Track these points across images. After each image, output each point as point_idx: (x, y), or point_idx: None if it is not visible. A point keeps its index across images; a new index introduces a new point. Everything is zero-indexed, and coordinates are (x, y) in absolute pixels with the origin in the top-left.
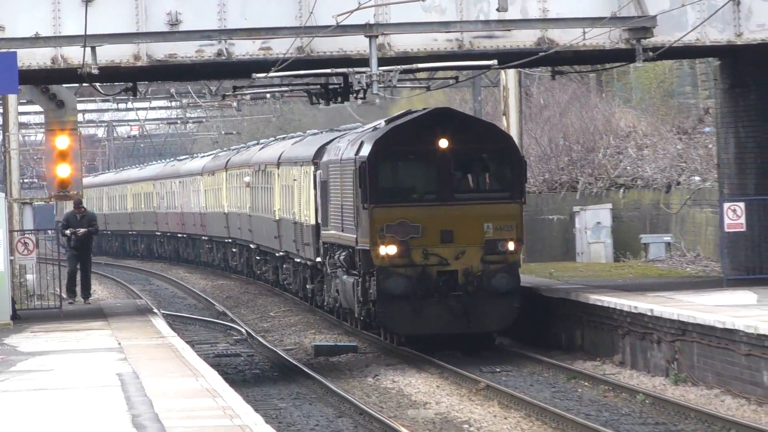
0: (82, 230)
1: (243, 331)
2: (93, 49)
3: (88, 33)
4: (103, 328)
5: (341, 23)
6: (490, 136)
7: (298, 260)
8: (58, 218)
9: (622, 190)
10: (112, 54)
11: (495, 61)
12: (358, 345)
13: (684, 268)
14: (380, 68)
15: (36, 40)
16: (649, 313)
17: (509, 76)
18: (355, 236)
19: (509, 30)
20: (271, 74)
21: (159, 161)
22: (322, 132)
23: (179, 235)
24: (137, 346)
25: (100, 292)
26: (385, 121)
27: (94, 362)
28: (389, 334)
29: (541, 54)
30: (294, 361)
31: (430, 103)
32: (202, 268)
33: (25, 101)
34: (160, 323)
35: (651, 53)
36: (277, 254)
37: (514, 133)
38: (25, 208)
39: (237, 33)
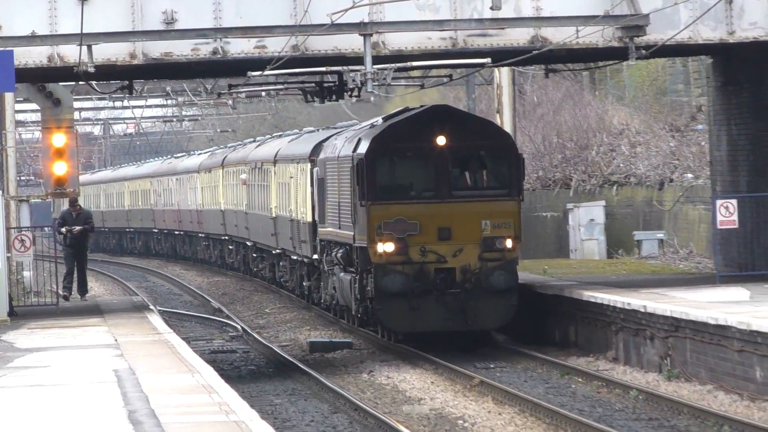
0: (78, 228)
1: (238, 327)
2: (89, 47)
3: (84, 31)
4: (99, 325)
5: (336, 22)
6: (487, 133)
7: (295, 257)
8: (55, 215)
9: (615, 188)
10: (108, 52)
11: (489, 60)
12: (353, 341)
13: (677, 264)
14: (375, 66)
15: (32, 39)
16: (643, 310)
17: (503, 74)
18: (352, 233)
19: (503, 28)
20: (267, 72)
21: (156, 159)
22: (318, 130)
23: (176, 232)
24: (133, 342)
25: (96, 288)
26: (383, 119)
27: (91, 358)
28: (386, 331)
29: (534, 52)
30: (289, 358)
31: (424, 101)
32: (198, 265)
33: (21, 99)
34: (156, 320)
35: (644, 51)
36: (273, 251)
37: (507, 130)
38: (22, 206)
39: (232, 31)
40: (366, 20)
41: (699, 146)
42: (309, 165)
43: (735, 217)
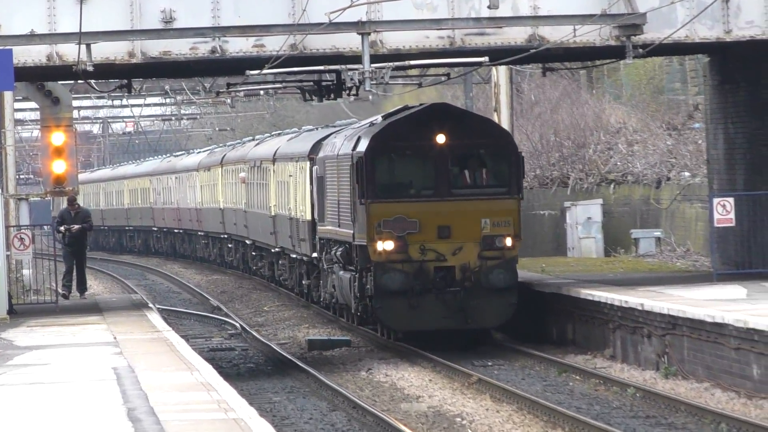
0: (76, 227)
1: (237, 325)
2: (88, 46)
3: (83, 30)
4: (98, 323)
5: (334, 21)
6: (487, 131)
7: (294, 256)
8: (55, 214)
9: (612, 186)
10: (106, 51)
11: (486, 58)
12: (352, 339)
13: (674, 262)
14: (373, 65)
15: (31, 38)
16: (640, 308)
17: (500, 73)
18: (352, 232)
19: (500, 27)
20: (265, 71)
21: (156, 157)
22: (317, 128)
23: (175, 230)
24: (132, 340)
25: (95, 287)
26: (382, 117)
27: (90, 356)
28: (386, 329)
29: (532, 51)
30: (288, 355)
31: (422, 100)
32: (196, 264)
33: (20, 98)
34: (155, 318)
35: (641, 50)
36: (272, 250)
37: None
38: (21, 204)
39: (230, 30)
40: (364, 19)
41: (696, 145)
42: (308, 163)
43: (732, 215)
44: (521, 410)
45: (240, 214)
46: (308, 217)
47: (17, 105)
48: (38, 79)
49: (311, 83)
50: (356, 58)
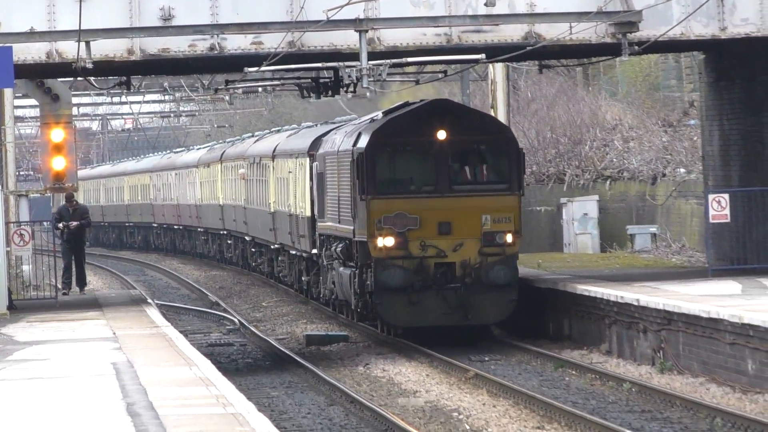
0: (74, 223)
1: (236, 320)
2: (87, 43)
3: (82, 28)
4: (98, 318)
5: (332, 18)
6: (488, 127)
7: (294, 252)
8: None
9: (608, 182)
10: (106, 48)
11: (483, 55)
12: (349, 335)
13: (669, 258)
14: (370, 62)
15: (31, 35)
16: (636, 303)
17: (497, 70)
18: (352, 228)
19: (497, 24)
20: (263, 68)
21: (156, 153)
22: (316, 125)
23: (175, 227)
24: (132, 335)
25: (95, 282)
26: (383, 113)
27: (89, 351)
28: (386, 326)
29: (528, 48)
30: (286, 351)
31: (419, 97)
32: (195, 259)
33: (20, 95)
34: (154, 313)
35: (636, 47)
36: (272, 246)
37: None
38: (21, 200)
39: (229, 28)
40: (361, 16)
41: (691, 141)
42: (308, 160)
43: (727, 211)
44: (518, 405)
45: (239, 210)
46: (308, 213)
47: (17, 102)
48: (38, 76)
49: (309, 80)
50: (354, 56)
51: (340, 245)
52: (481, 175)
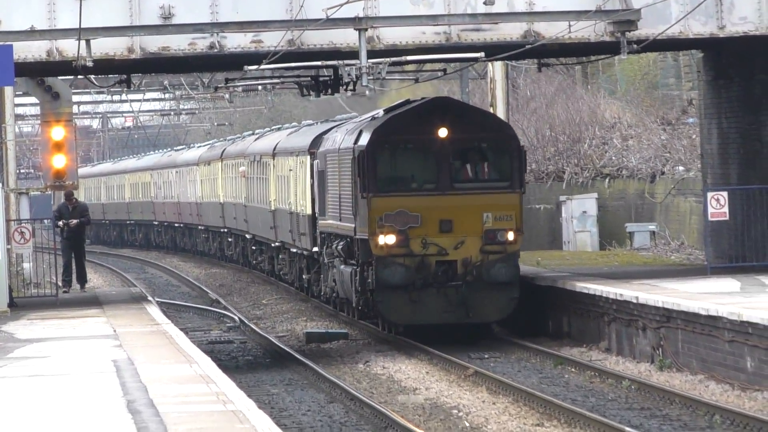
0: (74, 221)
1: (236, 318)
2: (87, 42)
3: (82, 26)
4: (98, 316)
5: (331, 16)
6: (489, 125)
7: (294, 250)
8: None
9: (607, 180)
10: (106, 47)
11: (482, 54)
12: (349, 332)
13: (668, 256)
14: (370, 61)
15: (31, 33)
16: (635, 301)
17: (496, 69)
18: (353, 226)
19: (496, 23)
20: (263, 67)
21: (156, 151)
22: (317, 123)
23: (176, 224)
24: (132, 333)
25: (95, 280)
26: (384, 111)
27: (90, 349)
28: (387, 324)
29: (527, 46)
30: (286, 348)
31: (418, 95)
32: (195, 257)
33: (21, 93)
34: (154, 311)
35: (635, 46)
36: (272, 244)
37: None
38: (21, 198)
39: (229, 26)
40: (361, 15)
41: (690, 139)
42: (308, 158)
43: (726, 209)
44: (517, 402)
45: (240, 208)
46: (308, 211)
47: (18, 100)
48: (38, 74)
49: (309, 78)
50: (353, 54)
51: (341, 243)
52: (482, 172)
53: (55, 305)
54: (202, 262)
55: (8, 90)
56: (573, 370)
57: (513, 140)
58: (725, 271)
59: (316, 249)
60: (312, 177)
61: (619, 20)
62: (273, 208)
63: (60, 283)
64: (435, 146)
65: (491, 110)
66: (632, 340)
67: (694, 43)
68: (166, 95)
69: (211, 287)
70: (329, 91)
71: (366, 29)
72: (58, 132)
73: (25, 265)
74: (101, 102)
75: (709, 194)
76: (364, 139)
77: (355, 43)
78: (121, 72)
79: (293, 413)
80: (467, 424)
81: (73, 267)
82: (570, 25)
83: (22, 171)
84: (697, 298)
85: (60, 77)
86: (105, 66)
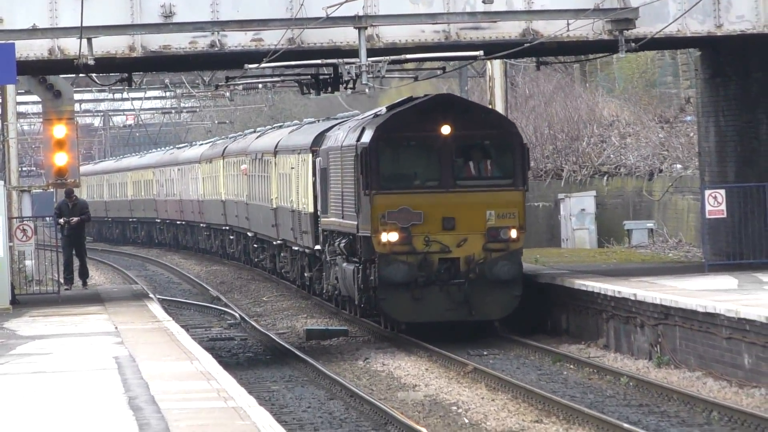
0: (75, 219)
1: (236, 315)
2: (89, 40)
3: (84, 25)
4: (100, 313)
5: (331, 15)
6: (492, 122)
7: (296, 248)
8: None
9: (605, 178)
10: (107, 45)
11: (481, 52)
12: (350, 329)
13: (666, 253)
14: (369, 59)
15: (33, 32)
16: (633, 298)
17: (495, 67)
18: (356, 223)
19: (495, 21)
20: (263, 65)
21: (159, 149)
22: (318, 120)
23: (178, 222)
24: (133, 330)
25: (97, 277)
26: (387, 108)
27: (92, 346)
28: (389, 321)
29: (526, 45)
30: (286, 345)
31: (418, 93)
32: (196, 255)
33: (23, 91)
34: (155, 308)
35: (633, 44)
36: (274, 242)
37: None
38: (23, 196)
39: (229, 25)
40: (360, 13)
41: (688, 137)
42: (310, 156)
43: (723, 206)
44: (516, 399)
45: (241, 206)
46: (310, 209)
47: (19, 98)
48: (40, 72)
49: (309, 77)
50: (353, 52)
51: (344, 240)
52: (485, 170)
53: (56, 302)
54: (203, 260)
55: (10, 88)
56: (571, 366)
57: (516, 137)
58: (723, 269)
59: (318, 247)
60: (314, 175)
61: (617, 19)
62: (275, 206)
63: (62, 280)
64: (438, 143)
65: None
66: (630, 337)
67: (691, 41)
68: (167, 93)
69: (211, 284)
70: (329, 89)
71: (366, 28)
72: (59, 130)
73: (27, 263)
74: (102, 100)
75: (707, 192)
76: (367, 136)
77: (355, 42)
78: (123, 70)
79: (293, 410)
80: (466, 421)
81: (75, 264)
82: (568, 24)
83: (24, 169)
84: (694, 296)
85: (61, 75)
86: (106, 64)
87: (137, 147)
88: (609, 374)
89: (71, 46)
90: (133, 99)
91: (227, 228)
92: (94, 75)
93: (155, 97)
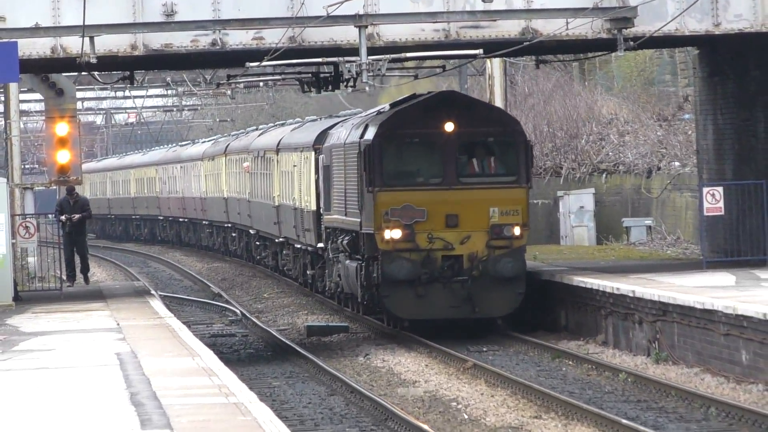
0: (76, 216)
1: (238, 311)
2: (91, 38)
3: (86, 23)
4: (102, 309)
5: (332, 14)
6: (496, 119)
7: (299, 246)
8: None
9: (604, 176)
10: (109, 44)
11: (481, 51)
12: (350, 325)
13: (664, 250)
14: (370, 57)
15: (36, 30)
16: (631, 294)
17: (494, 65)
18: (359, 220)
19: (494, 20)
20: (264, 63)
21: (161, 147)
22: (321, 118)
23: (180, 219)
24: (135, 326)
25: (99, 274)
26: (390, 105)
27: (94, 342)
28: (392, 319)
29: (525, 43)
30: (287, 341)
31: (417, 91)
32: (198, 252)
33: (25, 89)
34: (157, 304)
35: (632, 43)
36: (276, 240)
37: None
38: (26, 193)
39: (230, 23)
40: (361, 12)
41: (686, 135)
42: (313, 153)
43: (721, 204)
44: (515, 394)
45: (244, 203)
46: (313, 207)
47: (22, 96)
48: (43, 71)
49: (309, 75)
50: (353, 51)
51: (347, 238)
52: (488, 167)
53: (59, 299)
54: (205, 257)
55: (13, 86)
56: (570, 363)
57: (520, 135)
58: (720, 265)
59: (320, 245)
60: (317, 172)
61: (615, 17)
62: (277, 203)
63: (64, 277)
64: (441, 140)
65: None
66: (629, 333)
67: (689, 40)
68: (169, 91)
69: (213, 281)
70: (330, 87)
71: (366, 26)
72: (62, 128)
73: (30, 260)
74: (105, 98)
75: (705, 189)
76: (371, 134)
77: (356, 40)
78: (125, 68)
79: (294, 405)
80: (466, 416)
81: (77, 261)
82: (567, 23)
83: (26, 166)
84: (692, 292)
85: (64, 74)
86: (108, 63)
87: (139, 145)
88: (608, 370)
89: (73, 44)
90: (135, 97)
91: (229, 225)
92: (96, 73)
93: (157, 95)
